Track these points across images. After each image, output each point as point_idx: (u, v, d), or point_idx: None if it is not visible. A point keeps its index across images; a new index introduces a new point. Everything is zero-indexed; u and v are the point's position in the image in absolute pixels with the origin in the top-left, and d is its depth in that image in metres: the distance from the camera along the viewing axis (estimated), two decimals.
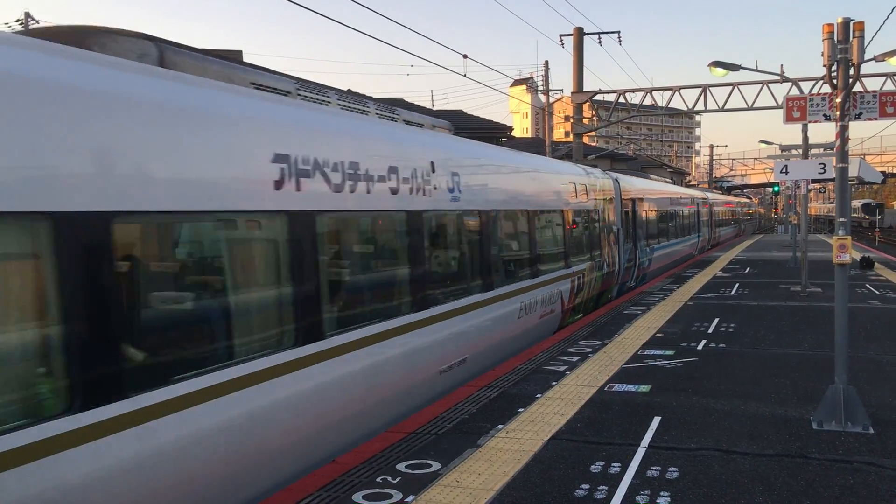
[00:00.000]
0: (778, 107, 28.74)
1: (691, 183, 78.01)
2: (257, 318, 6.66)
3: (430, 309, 9.49)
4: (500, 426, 8.10)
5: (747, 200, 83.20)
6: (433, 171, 9.93)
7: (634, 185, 23.40)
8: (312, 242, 7.20)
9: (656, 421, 8.26)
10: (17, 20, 32.11)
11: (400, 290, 9.08)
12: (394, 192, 8.88)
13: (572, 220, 16.08)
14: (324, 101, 8.80)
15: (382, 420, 8.38)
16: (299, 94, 8.32)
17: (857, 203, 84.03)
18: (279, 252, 6.90)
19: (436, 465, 6.91)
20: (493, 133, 31.96)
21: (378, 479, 6.59)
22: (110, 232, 5.10)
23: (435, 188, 9.95)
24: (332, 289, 7.68)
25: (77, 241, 4.86)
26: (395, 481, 6.55)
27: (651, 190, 26.33)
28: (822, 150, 27.52)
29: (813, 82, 27.81)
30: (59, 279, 4.76)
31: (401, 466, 6.90)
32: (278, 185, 6.78)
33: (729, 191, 75.06)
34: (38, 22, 32.83)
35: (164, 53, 6.70)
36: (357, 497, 6.22)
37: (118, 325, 5.14)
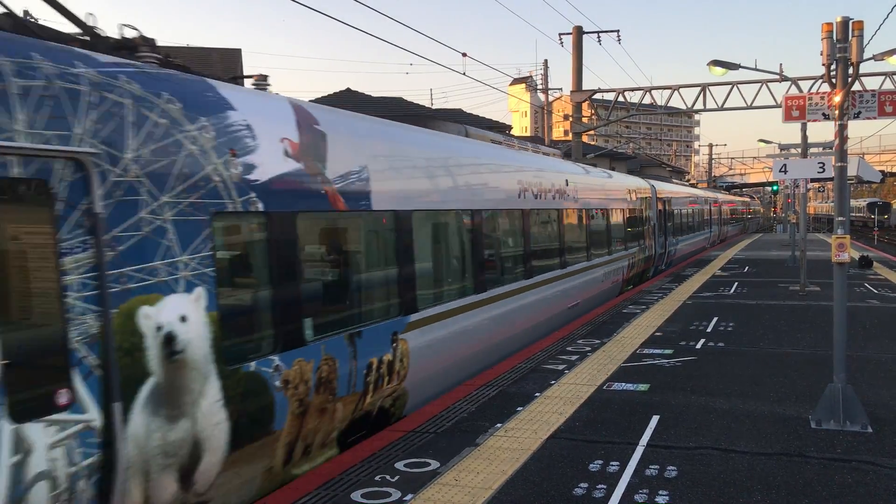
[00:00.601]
0: (777, 106, 28.70)
1: (690, 182, 78.17)
2: (535, 256, 13.71)
3: (566, 268, 15.59)
4: (498, 425, 8.11)
5: (749, 200, 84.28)
6: (567, 185, 16.06)
7: (665, 189, 29.03)
8: (528, 223, 13.38)
9: (655, 420, 8.26)
10: None
11: (558, 254, 15.14)
12: (554, 198, 14.99)
13: (630, 217, 22.10)
14: (512, 144, 15.08)
15: (559, 322, 15.06)
16: (503, 143, 14.48)
17: (862, 202, 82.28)
18: (518, 227, 13.06)
19: (434, 464, 6.92)
20: (491, 131, 31.87)
21: (377, 478, 6.60)
22: (530, 215, 13.23)
23: (567, 195, 15.92)
24: (536, 247, 13.84)
25: (530, 217, 12.99)
26: (393, 480, 6.55)
27: (676, 192, 32.01)
28: (821, 149, 27.50)
29: (812, 81, 27.78)
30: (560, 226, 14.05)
31: (399, 465, 6.91)
32: (519, 196, 13.03)
33: (728, 190, 75.51)
34: (37, 20, 32.81)
35: (467, 130, 13.05)
36: (356, 495, 6.23)
37: (487, 260, 11.47)
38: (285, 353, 6.63)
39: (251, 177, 6.47)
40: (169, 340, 5.54)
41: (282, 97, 7.71)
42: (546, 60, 36.95)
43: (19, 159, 4.63)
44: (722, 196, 54.27)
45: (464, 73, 22.22)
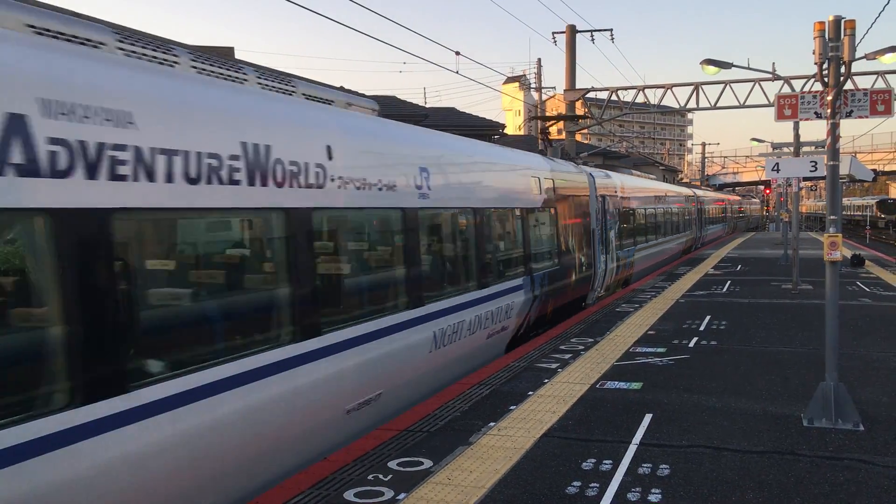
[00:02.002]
0: (769, 105, 28.77)
1: (683, 180, 78.71)
2: (658, 231, 29.32)
3: (665, 237, 30.33)
4: (491, 424, 8.11)
5: (749, 199, 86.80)
6: (664, 195, 30.64)
7: (699, 192, 43.98)
8: (655, 214, 28.57)
9: (648, 418, 8.28)
10: None
11: (664, 231, 30.18)
12: (662, 201, 30.22)
13: (685, 213, 36.19)
14: (647, 175, 32.62)
15: (663, 266, 29.08)
16: (639, 173, 31.97)
17: (870, 200, 78.53)
18: (652, 216, 28.22)
19: (427, 463, 6.91)
20: (485, 131, 31.82)
21: (370, 477, 6.59)
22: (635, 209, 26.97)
23: (666, 200, 30.92)
24: (658, 226, 29.30)
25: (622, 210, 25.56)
26: (386, 479, 6.54)
27: (706, 195, 47.40)
28: (813, 147, 27.57)
29: (804, 80, 27.82)
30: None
31: (392, 464, 6.90)
32: (654, 200, 28.41)
33: (720, 188, 76.71)
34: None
35: (632, 171, 31.26)
36: (348, 495, 6.22)
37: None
38: (617, 251, 20.94)
39: (614, 202, 20.92)
40: (612, 238, 20.39)
41: (605, 171, 21.82)
42: (539, 59, 37.02)
43: (600, 197, 19.54)
44: (732, 196, 70.01)
45: (457, 72, 22.22)
